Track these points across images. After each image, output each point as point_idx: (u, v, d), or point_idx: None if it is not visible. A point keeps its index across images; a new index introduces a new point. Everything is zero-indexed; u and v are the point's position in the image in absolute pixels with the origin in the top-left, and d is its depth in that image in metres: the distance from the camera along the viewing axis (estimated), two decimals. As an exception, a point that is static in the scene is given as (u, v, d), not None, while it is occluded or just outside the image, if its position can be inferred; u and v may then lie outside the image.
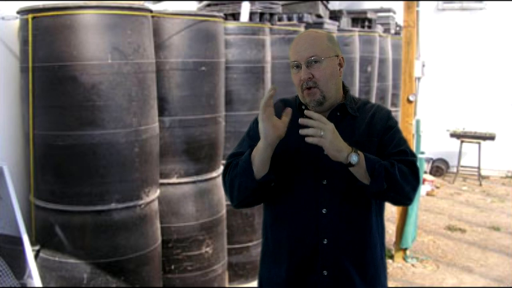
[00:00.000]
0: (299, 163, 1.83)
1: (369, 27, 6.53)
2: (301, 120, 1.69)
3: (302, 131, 1.68)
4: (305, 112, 1.71)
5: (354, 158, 1.69)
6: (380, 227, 1.96)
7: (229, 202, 4.01)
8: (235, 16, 4.37)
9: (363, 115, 1.90)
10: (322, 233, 1.83)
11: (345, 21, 6.32)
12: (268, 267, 1.97)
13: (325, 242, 1.83)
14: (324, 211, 1.83)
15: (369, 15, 6.52)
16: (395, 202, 1.90)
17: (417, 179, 1.84)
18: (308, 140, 1.67)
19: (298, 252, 1.87)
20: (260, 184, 1.77)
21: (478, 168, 8.00)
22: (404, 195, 1.82)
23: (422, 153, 4.90)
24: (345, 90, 1.93)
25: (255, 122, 1.92)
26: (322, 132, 1.65)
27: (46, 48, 2.85)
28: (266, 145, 1.72)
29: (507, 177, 8.44)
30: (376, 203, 1.91)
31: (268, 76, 4.15)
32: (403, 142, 1.90)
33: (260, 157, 1.74)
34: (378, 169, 1.72)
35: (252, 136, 1.91)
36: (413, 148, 4.83)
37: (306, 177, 1.84)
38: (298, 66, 1.83)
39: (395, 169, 1.75)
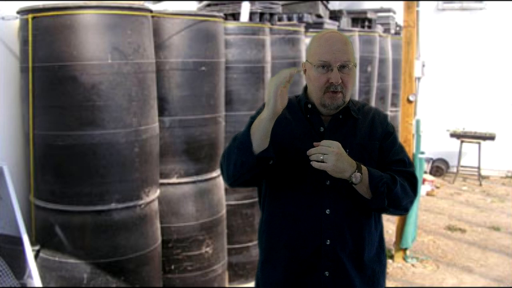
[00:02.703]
0: (302, 163, 1.82)
1: (369, 27, 6.53)
2: (309, 152, 1.72)
3: (308, 152, 1.72)
4: (314, 144, 1.73)
5: (356, 179, 1.72)
6: (379, 227, 1.97)
7: (229, 202, 4.05)
8: (235, 16, 4.37)
9: (363, 117, 1.93)
10: (325, 234, 1.84)
11: (345, 21, 6.32)
12: (267, 268, 1.96)
13: (328, 243, 1.84)
14: (327, 211, 1.83)
15: (369, 15, 6.51)
16: (392, 214, 1.94)
17: (415, 191, 1.88)
18: (313, 165, 1.71)
19: (299, 253, 1.86)
20: (258, 160, 1.72)
21: (478, 168, 8.00)
22: (402, 209, 1.87)
23: (422, 153, 4.89)
24: None
25: (258, 113, 1.92)
26: (321, 157, 1.68)
27: (46, 48, 2.85)
28: (272, 116, 1.68)
29: (507, 177, 8.44)
30: None
31: (268, 76, 4.15)
32: (401, 150, 1.94)
33: (262, 129, 1.70)
34: (381, 188, 1.75)
35: None
36: (413, 148, 4.83)
37: (309, 178, 1.84)
38: (327, 67, 1.80)
39: (397, 186, 1.78)
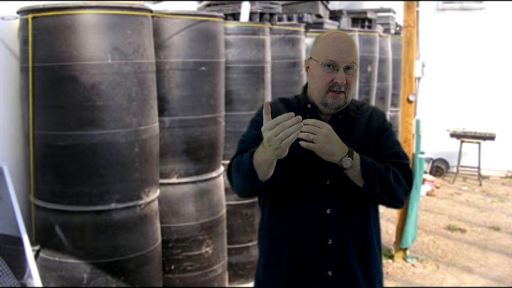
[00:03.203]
0: (302, 164, 1.82)
1: (369, 27, 6.53)
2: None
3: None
4: (304, 121, 1.69)
5: (347, 163, 1.70)
6: (377, 227, 1.98)
7: (229, 202, 4.04)
8: (235, 16, 4.37)
9: (361, 116, 1.93)
10: (327, 233, 1.84)
11: (345, 21, 6.32)
12: (268, 268, 1.96)
13: (329, 243, 1.84)
14: (328, 211, 1.83)
15: (369, 15, 6.51)
16: (387, 205, 1.92)
17: (410, 183, 1.87)
18: (301, 144, 1.67)
19: (302, 253, 1.86)
20: (266, 186, 1.76)
21: (478, 168, 8.00)
22: (397, 199, 1.84)
23: (422, 153, 4.89)
24: None
25: (258, 115, 1.92)
26: (312, 136, 1.65)
27: (46, 48, 2.85)
28: (276, 158, 1.67)
29: (507, 177, 8.44)
30: (372, 204, 1.93)
31: (268, 76, 4.15)
32: (397, 144, 1.93)
33: (267, 166, 1.70)
34: (373, 173, 1.74)
35: (257, 127, 1.89)
36: (413, 148, 4.83)
37: (309, 178, 1.84)
38: (333, 67, 1.79)
39: (390, 174, 1.77)
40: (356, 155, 1.74)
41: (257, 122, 1.88)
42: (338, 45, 1.81)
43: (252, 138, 1.85)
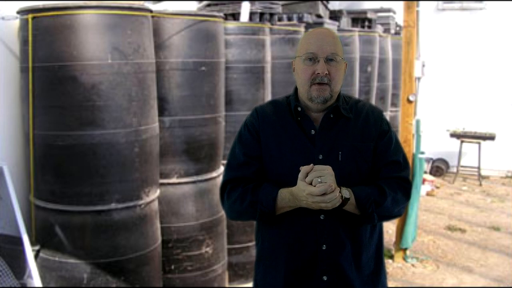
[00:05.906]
0: (295, 169, 1.76)
1: (369, 27, 6.53)
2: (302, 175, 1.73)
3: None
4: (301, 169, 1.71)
5: (345, 193, 1.72)
6: (377, 226, 1.95)
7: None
8: (235, 16, 4.37)
9: (356, 115, 1.88)
10: (321, 239, 1.82)
11: (345, 21, 6.31)
12: (264, 272, 1.95)
13: (324, 248, 1.82)
14: (322, 217, 1.81)
15: (369, 15, 6.51)
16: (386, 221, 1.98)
17: (408, 196, 1.87)
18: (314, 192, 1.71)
19: (296, 258, 1.85)
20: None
21: (478, 168, 8.00)
22: (396, 217, 1.91)
23: (422, 153, 4.89)
24: None
25: (246, 127, 1.91)
26: (319, 179, 1.66)
27: (46, 48, 2.85)
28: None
29: (507, 177, 8.44)
30: None
31: (268, 76, 4.15)
32: (397, 149, 1.89)
33: (288, 209, 1.79)
34: (369, 210, 1.75)
35: (245, 142, 1.89)
36: (413, 148, 4.83)
37: None
38: (314, 59, 1.79)
39: (387, 199, 1.77)
40: (348, 189, 1.74)
41: (245, 138, 1.90)
42: (317, 38, 1.82)
43: (244, 159, 1.87)
